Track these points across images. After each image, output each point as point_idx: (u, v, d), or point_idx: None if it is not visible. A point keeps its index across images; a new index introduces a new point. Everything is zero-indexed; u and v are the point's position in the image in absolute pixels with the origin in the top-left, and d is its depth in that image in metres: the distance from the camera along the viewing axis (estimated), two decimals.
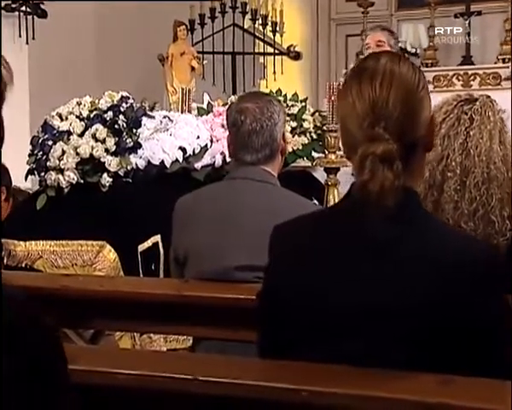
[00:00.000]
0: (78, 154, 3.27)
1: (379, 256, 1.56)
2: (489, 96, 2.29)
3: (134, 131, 3.43)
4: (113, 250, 3.22)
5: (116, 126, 3.33)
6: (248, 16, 8.53)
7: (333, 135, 4.18)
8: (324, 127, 4.30)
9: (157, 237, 3.40)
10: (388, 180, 1.50)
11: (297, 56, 8.68)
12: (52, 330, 1.08)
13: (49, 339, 1.05)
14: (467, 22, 7.72)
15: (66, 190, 3.30)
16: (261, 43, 8.67)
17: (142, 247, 3.33)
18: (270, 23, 8.50)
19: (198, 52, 7.42)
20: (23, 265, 3.25)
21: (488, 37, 7.73)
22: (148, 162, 3.50)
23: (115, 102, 3.44)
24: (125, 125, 3.37)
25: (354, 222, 1.59)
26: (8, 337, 0.99)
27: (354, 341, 1.56)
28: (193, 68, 7.20)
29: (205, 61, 7.80)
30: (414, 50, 8.08)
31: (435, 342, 1.54)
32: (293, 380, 1.55)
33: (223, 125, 4.05)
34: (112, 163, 3.32)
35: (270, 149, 2.60)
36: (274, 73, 8.59)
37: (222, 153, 3.87)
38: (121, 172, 3.40)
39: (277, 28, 8.53)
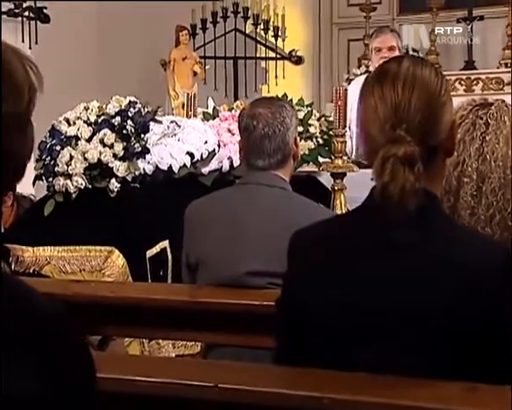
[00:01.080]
0: (86, 159, 3.26)
1: (400, 260, 1.55)
2: (504, 101, 2.28)
3: (142, 136, 3.41)
4: (121, 256, 3.20)
5: (124, 131, 3.31)
6: (250, 21, 8.54)
7: (340, 140, 4.16)
8: (331, 132, 4.28)
9: (165, 243, 3.38)
10: (409, 182, 1.49)
11: (299, 61, 8.68)
12: (84, 346, 1.06)
13: (80, 354, 1.03)
14: (469, 27, 7.73)
15: (74, 196, 3.28)
16: (263, 48, 8.67)
17: (150, 252, 3.31)
18: (271, 28, 8.51)
19: (200, 57, 7.43)
20: (31, 271, 3.23)
21: (490, 42, 7.73)
22: (156, 167, 3.48)
23: (123, 107, 3.43)
24: (133, 130, 3.36)
25: (375, 225, 1.58)
26: (41, 350, 0.97)
27: (375, 346, 1.55)
28: (195, 73, 7.21)
29: (207, 66, 7.81)
30: (416, 55, 8.08)
31: (456, 347, 1.52)
32: (314, 388, 1.53)
33: (229, 130, 4.04)
34: (120, 168, 3.30)
35: (283, 153, 2.59)
36: (276, 77, 8.59)
37: (229, 158, 3.85)
38: (129, 178, 3.38)
39: (279, 33, 8.53)
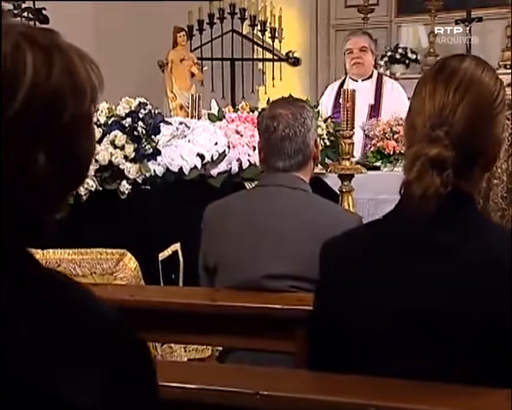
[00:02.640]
0: (96, 161, 3.21)
1: (437, 263, 1.52)
2: None
3: (153, 137, 3.37)
4: (133, 258, 3.15)
5: (135, 133, 3.27)
6: (247, 22, 8.49)
7: (347, 141, 4.13)
8: (338, 133, 4.26)
9: (177, 246, 3.34)
10: (434, 186, 1.45)
11: (296, 62, 8.64)
12: (148, 354, 1.03)
13: (143, 357, 1.00)
14: (467, 28, 7.72)
15: (84, 198, 3.23)
16: (260, 50, 8.63)
17: (162, 255, 3.27)
18: (268, 29, 8.46)
19: (197, 58, 7.38)
20: None
21: (489, 43, 7.72)
22: (167, 169, 3.44)
23: (133, 109, 3.38)
24: (144, 131, 3.31)
25: (409, 228, 1.54)
26: (106, 353, 0.94)
27: (416, 352, 1.52)
28: (193, 74, 7.16)
29: (205, 68, 7.76)
30: (414, 56, 8.08)
31: (499, 352, 1.49)
32: (358, 395, 1.50)
33: (237, 132, 4.01)
34: (131, 170, 3.26)
35: (303, 155, 2.56)
36: (273, 79, 8.55)
37: (238, 160, 3.82)
38: (139, 180, 3.34)
39: (276, 34, 8.49)
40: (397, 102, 5.47)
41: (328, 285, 1.63)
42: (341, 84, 5.76)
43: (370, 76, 5.69)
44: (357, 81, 5.67)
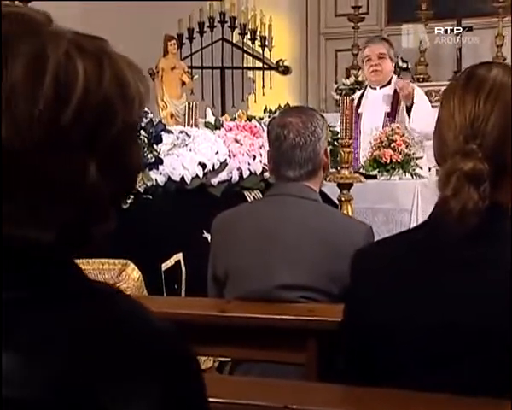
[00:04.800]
0: None
1: (470, 277, 1.50)
2: None
3: (154, 146, 3.34)
4: (136, 269, 3.11)
5: (138, 141, 3.23)
6: (237, 31, 8.49)
7: (346, 150, 4.11)
8: (337, 142, 4.24)
9: (179, 255, 3.31)
10: (472, 201, 1.43)
11: (286, 71, 8.65)
12: (199, 365, 1.00)
13: (197, 380, 0.97)
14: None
15: None
16: (250, 58, 8.62)
17: (165, 265, 3.23)
18: (258, 38, 8.47)
19: (187, 67, 7.36)
20: None
21: (479, 52, 7.75)
22: (168, 178, 3.41)
23: None
24: (146, 140, 3.28)
25: (441, 241, 1.52)
26: (163, 370, 0.91)
27: (449, 367, 1.50)
28: (183, 83, 7.14)
29: (195, 77, 7.74)
30: (405, 65, 8.09)
31: None
32: (388, 408, 1.48)
33: (236, 140, 3.98)
34: None
35: (313, 164, 2.53)
36: (263, 87, 8.55)
37: (238, 168, 3.79)
38: (141, 189, 3.30)
39: (266, 43, 8.50)
40: (419, 107, 5.39)
41: (360, 297, 1.60)
42: (362, 94, 5.74)
43: (389, 83, 5.59)
44: (375, 89, 5.63)
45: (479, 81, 1.53)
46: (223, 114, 7.27)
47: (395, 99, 5.47)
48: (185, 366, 0.95)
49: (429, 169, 5.12)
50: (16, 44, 0.86)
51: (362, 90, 5.92)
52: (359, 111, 5.50)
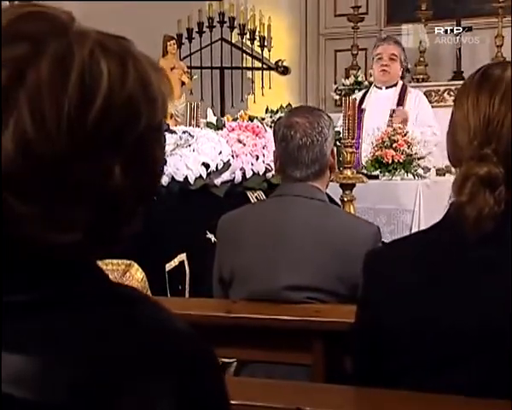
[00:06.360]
0: None
1: (483, 279, 1.49)
2: None
3: None
4: (140, 269, 3.11)
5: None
6: (236, 31, 8.48)
7: (349, 150, 4.11)
8: (339, 143, 4.23)
9: (183, 256, 3.30)
10: (488, 206, 1.42)
11: (285, 71, 8.63)
12: (219, 366, 1.00)
13: (219, 384, 0.97)
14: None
15: None
16: (249, 58, 8.61)
17: (169, 266, 3.22)
18: (258, 38, 8.45)
19: (186, 67, 7.34)
20: None
21: (479, 52, 7.74)
22: (172, 178, 3.40)
23: None
24: None
25: (455, 244, 1.51)
26: (179, 375, 0.91)
27: (464, 367, 1.49)
28: (183, 83, 7.12)
29: (194, 77, 7.72)
30: (404, 65, 8.07)
31: None
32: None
33: (239, 141, 3.97)
34: None
35: (320, 164, 2.52)
36: (262, 87, 8.53)
37: (241, 169, 3.78)
38: None
39: (265, 43, 8.48)
40: (421, 112, 5.49)
41: (373, 299, 1.59)
42: (365, 94, 5.78)
43: (395, 85, 5.67)
44: (381, 89, 5.67)
45: (494, 81, 1.51)
46: (222, 114, 7.26)
47: (400, 101, 5.54)
48: (209, 366, 0.95)
49: (429, 170, 5.13)
50: (42, 44, 0.86)
51: (366, 89, 5.97)
52: (362, 106, 5.55)
